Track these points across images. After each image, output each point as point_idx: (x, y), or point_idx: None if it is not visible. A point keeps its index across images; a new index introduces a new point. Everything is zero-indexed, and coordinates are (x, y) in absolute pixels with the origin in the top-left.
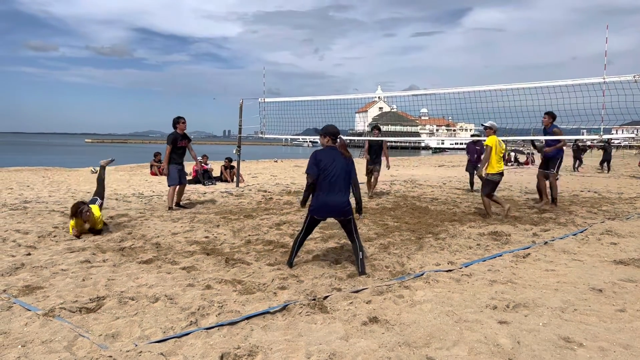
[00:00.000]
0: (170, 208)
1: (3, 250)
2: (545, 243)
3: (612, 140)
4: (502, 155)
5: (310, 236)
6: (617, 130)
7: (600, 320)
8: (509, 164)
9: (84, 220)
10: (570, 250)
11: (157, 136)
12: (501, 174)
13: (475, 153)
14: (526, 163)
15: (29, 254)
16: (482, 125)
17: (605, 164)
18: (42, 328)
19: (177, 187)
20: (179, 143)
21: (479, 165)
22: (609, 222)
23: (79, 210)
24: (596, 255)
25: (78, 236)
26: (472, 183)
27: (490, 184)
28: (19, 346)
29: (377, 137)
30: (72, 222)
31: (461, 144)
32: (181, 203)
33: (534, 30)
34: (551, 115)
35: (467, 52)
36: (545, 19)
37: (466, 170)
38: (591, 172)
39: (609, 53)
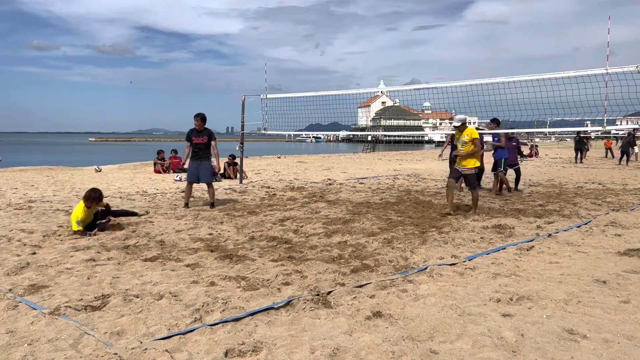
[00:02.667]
0: (186, 204)
1: (8, 249)
2: (549, 235)
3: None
4: None
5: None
6: (621, 121)
7: (604, 312)
8: None
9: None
10: (574, 242)
11: (161, 134)
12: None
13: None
14: (530, 155)
15: (34, 253)
16: (495, 119)
17: (579, 154)
18: (48, 327)
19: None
20: (193, 140)
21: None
22: (613, 214)
23: (97, 195)
24: (600, 247)
25: (84, 232)
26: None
27: (477, 178)
28: (25, 345)
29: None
30: (80, 213)
31: None
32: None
33: (537, 22)
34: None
35: (470, 45)
36: (548, 11)
37: (492, 170)
38: (595, 164)
39: (612, 44)
